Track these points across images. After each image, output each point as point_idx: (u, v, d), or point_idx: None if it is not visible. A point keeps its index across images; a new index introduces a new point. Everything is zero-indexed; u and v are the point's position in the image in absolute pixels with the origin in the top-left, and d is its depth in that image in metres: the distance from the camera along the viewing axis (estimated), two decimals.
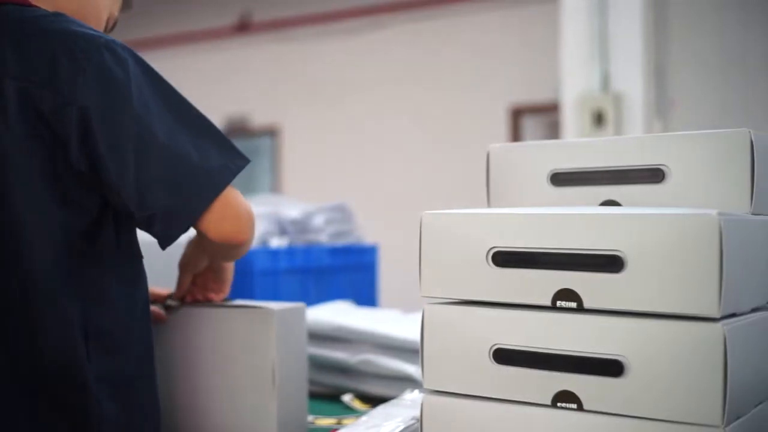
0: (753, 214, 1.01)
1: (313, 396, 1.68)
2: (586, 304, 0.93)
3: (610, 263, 0.91)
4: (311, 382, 1.71)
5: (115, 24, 1.38)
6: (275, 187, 8.30)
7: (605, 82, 4.12)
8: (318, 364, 1.71)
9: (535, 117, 6.57)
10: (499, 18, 6.81)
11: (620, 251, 0.91)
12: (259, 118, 8.33)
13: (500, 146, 1.22)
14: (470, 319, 1.01)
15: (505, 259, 0.98)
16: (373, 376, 1.63)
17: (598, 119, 4.03)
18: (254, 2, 8.26)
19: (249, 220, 1.20)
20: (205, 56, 8.55)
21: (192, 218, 1.15)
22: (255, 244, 2.08)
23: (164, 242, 1.16)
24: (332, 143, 7.79)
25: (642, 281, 0.90)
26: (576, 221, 0.94)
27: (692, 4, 4.44)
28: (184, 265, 1.37)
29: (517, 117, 6.68)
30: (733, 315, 0.91)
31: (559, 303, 0.95)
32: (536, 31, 6.27)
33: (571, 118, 4.21)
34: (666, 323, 0.88)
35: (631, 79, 4.04)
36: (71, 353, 1.13)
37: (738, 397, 0.89)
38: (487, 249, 0.99)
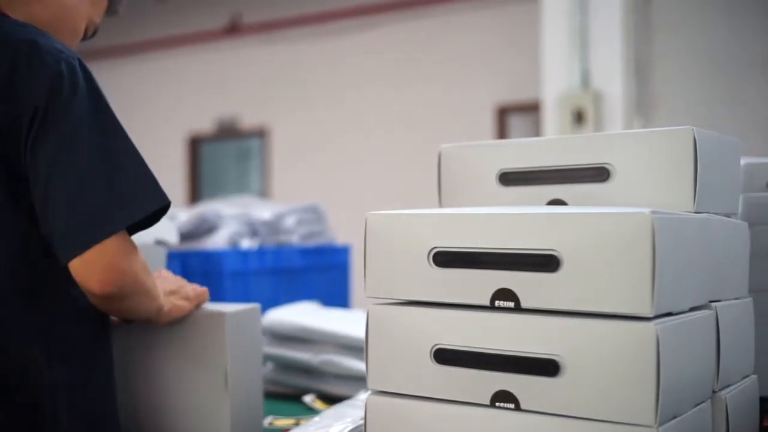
0: (696, 212, 1.01)
1: (276, 396, 1.68)
2: (524, 304, 0.93)
3: (546, 263, 0.91)
4: (274, 382, 1.71)
5: (96, 30, 1.36)
6: (264, 188, 8.29)
7: (585, 80, 4.12)
8: (281, 365, 1.70)
9: (521, 115, 6.58)
10: (484, 17, 6.81)
11: (556, 251, 0.90)
12: (249, 120, 8.33)
13: (451, 146, 1.22)
14: (412, 319, 1.01)
15: (445, 259, 0.98)
16: (335, 377, 1.63)
17: (579, 118, 4.03)
18: (244, 5, 8.25)
19: (118, 275, 1.10)
20: (195, 58, 8.55)
21: (74, 251, 1.09)
22: (226, 245, 2.08)
23: (60, 262, 1.13)
24: (321, 144, 7.79)
25: (577, 281, 0.89)
26: (512, 221, 0.94)
27: (675, 2, 4.45)
28: None
29: (503, 116, 6.68)
30: (669, 314, 0.90)
31: (497, 303, 0.95)
32: (522, 30, 6.27)
33: (551, 116, 4.22)
34: (600, 323, 0.88)
35: (611, 78, 4.05)
36: (29, 360, 1.12)
37: (673, 396, 0.88)
38: (428, 249, 0.99)
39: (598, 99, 4.06)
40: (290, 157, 7.99)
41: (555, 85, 4.20)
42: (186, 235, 2.05)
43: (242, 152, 8.85)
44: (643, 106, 4.25)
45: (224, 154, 8.90)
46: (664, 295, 0.88)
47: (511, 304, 0.94)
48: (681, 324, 0.91)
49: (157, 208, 1.16)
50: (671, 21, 4.41)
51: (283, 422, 1.45)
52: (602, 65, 4.09)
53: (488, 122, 6.73)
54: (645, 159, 1.05)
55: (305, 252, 2.28)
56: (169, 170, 8.52)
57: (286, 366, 1.70)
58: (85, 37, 1.33)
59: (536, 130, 5.96)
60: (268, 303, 1.97)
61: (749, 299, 1.17)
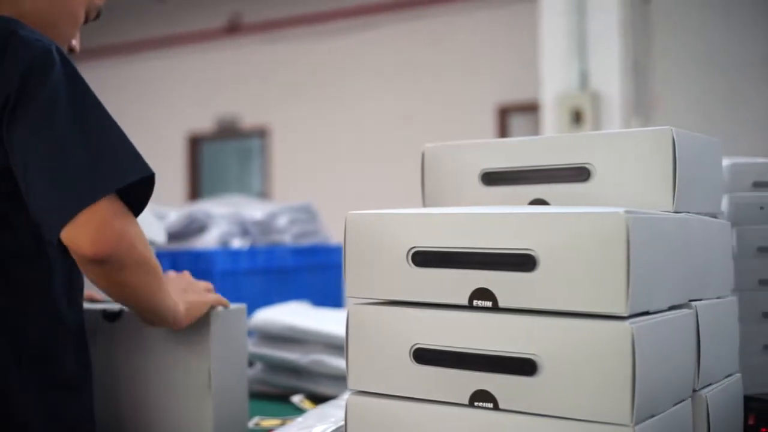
0: (675, 212, 1.01)
1: (265, 397, 1.68)
2: (501, 304, 0.93)
3: (523, 262, 0.91)
4: (263, 382, 1.72)
5: (99, 12, 1.34)
6: (265, 187, 8.30)
7: (583, 81, 4.12)
8: (270, 365, 1.71)
9: (522, 116, 6.58)
10: (486, 17, 6.81)
11: (532, 250, 0.90)
12: (249, 119, 8.34)
13: (434, 146, 1.22)
14: (392, 319, 1.01)
15: (424, 258, 0.98)
16: (324, 377, 1.63)
17: (577, 118, 4.03)
18: (244, 4, 8.26)
19: (111, 234, 1.08)
20: (195, 58, 8.56)
21: (62, 221, 1.07)
22: (216, 245, 2.08)
23: (49, 243, 1.12)
24: (321, 144, 7.80)
25: (553, 280, 0.89)
26: (489, 221, 0.94)
27: (674, 3, 4.44)
28: None
29: (505, 116, 6.68)
30: (646, 313, 0.90)
31: (475, 302, 0.95)
32: (523, 29, 6.27)
33: (550, 116, 4.22)
34: (576, 322, 0.88)
35: (609, 79, 4.05)
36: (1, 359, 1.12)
37: (650, 395, 0.88)
38: (407, 249, 0.99)
39: (596, 99, 4.06)
40: (291, 157, 8.00)
41: (553, 86, 4.20)
42: (175, 235, 2.05)
43: (244, 152, 8.86)
44: (641, 107, 4.24)
45: (225, 153, 8.92)
46: (640, 294, 0.88)
47: (489, 304, 0.94)
48: (658, 323, 0.91)
49: (141, 176, 1.13)
50: (670, 21, 4.41)
51: (269, 422, 1.45)
52: (600, 66, 4.09)
53: (490, 122, 6.73)
54: (625, 159, 1.05)
55: (298, 251, 2.28)
56: (169, 170, 8.53)
57: (275, 366, 1.70)
58: (87, 20, 1.32)
59: (537, 131, 5.97)
60: (260, 303, 1.97)
61: (732, 298, 1.17)
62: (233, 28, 8.30)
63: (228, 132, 8.52)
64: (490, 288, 0.94)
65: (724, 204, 1.43)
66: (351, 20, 7.56)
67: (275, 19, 7.96)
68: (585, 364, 0.88)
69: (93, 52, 8.55)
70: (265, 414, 1.51)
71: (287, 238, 2.26)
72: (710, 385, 1.06)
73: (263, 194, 8.10)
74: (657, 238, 0.93)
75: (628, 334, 0.85)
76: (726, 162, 1.46)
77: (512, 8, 6.59)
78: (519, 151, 1.14)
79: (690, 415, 1.01)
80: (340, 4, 7.59)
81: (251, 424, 1.46)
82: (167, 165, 8.51)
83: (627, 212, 0.86)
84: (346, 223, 1.04)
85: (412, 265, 0.99)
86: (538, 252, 0.90)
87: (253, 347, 1.72)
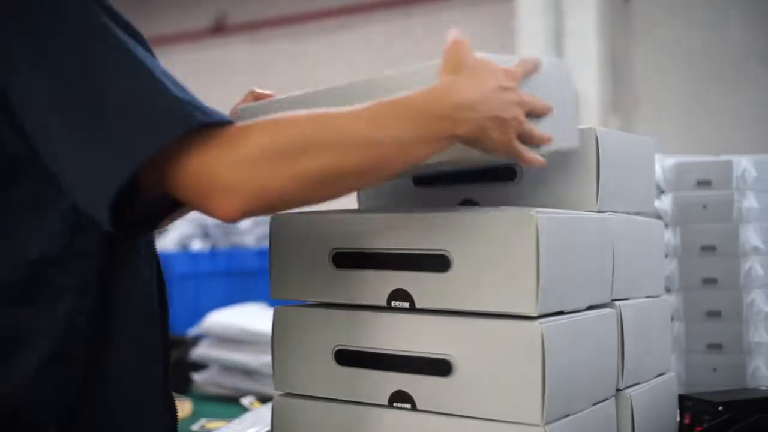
0: (599, 211, 1.01)
1: (216, 399, 1.68)
2: (418, 304, 0.93)
3: (438, 263, 0.91)
4: (216, 384, 1.71)
5: None
6: None
7: None
8: (223, 367, 1.70)
9: None
10: (468, 16, 6.81)
11: (446, 251, 0.90)
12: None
13: None
14: (314, 320, 1.01)
15: (344, 260, 0.98)
16: None
17: None
18: (229, 4, 8.25)
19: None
20: (180, 58, 8.53)
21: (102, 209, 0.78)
22: (175, 247, 2.08)
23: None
24: None
25: (467, 280, 0.89)
26: (406, 222, 0.94)
27: (656, 0, 4.45)
28: None
29: None
30: (560, 313, 0.90)
31: (393, 303, 0.95)
32: (505, 29, 6.27)
33: None
34: (488, 322, 0.88)
35: (586, 76, 4.03)
36: None
37: (564, 395, 0.88)
38: (329, 250, 0.99)
39: None
40: None
41: None
42: None
43: None
44: (621, 105, 4.24)
45: None
46: (551, 294, 0.88)
47: (407, 305, 0.94)
48: (573, 323, 0.91)
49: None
50: (651, 19, 4.41)
51: (214, 424, 1.45)
52: (577, 64, 4.08)
53: None
54: (551, 158, 1.05)
55: (262, 253, 2.27)
56: None
57: (228, 368, 1.70)
58: None
59: None
60: (221, 306, 1.96)
61: (663, 297, 1.17)
62: (218, 28, 8.28)
63: None
64: (407, 289, 0.94)
65: (668, 203, 1.43)
66: (337, 19, 7.56)
67: (261, 19, 7.95)
68: (497, 364, 0.88)
69: None
70: (213, 416, 1.51)
71: (250, 240, 2.25)
72: (636, 384, 1.06)
73: None
74: (573, 237, 0.93)
75: (538, 334, 0.85)
76: (671, 161, 1.46)
77: (498, 8, 6.58)
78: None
79: (613, 414, 1.01)
80: (326, 3, 7.58)
81: (197, 426, 1.46)
82: None
83: (537, 212, 0.86)
84: (270, 224, 1.04)
85: (333, 266, 0.99)
86: (452, 252, 0.90)
87: (207, 349, 1.72)
